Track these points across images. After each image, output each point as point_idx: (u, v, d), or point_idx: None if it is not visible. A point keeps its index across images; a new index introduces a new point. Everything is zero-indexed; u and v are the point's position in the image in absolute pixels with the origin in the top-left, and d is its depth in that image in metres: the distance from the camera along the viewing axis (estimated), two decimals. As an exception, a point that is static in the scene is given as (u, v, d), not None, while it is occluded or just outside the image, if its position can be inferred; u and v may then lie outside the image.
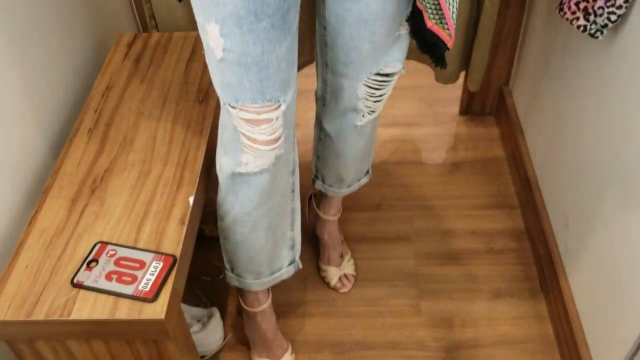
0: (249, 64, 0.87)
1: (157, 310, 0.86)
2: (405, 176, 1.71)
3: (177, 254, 0.93)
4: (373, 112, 1.17)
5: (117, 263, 0.91)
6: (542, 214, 1.47)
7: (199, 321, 1.35)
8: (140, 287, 0.88)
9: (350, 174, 1.34)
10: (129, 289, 0.88)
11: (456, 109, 1.92)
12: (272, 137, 0.95)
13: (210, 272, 1.50)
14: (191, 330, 1.31)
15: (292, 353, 1.34)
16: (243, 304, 1.28)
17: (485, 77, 1.78)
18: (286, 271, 1.23)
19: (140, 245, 0.94)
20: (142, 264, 0.91)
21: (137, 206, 1.00)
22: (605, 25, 0.99)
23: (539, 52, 1.53)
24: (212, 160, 1.09)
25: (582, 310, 1.26)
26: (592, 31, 1.01)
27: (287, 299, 1.45)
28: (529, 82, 1.61)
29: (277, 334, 1.33)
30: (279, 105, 0.93)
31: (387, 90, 1.14)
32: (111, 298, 0.87)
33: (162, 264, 0.91)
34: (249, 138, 0.94)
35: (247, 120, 0.93)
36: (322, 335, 1.38)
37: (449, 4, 0.90)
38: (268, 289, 1.28)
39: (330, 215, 1.46)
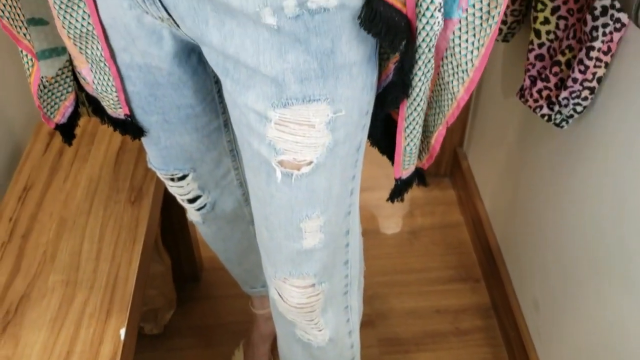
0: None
1: None
2: (363, 248, 1.61)
3: (107, 408, 0.79)
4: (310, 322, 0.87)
5: None
6: (509, 291, 1.38)
7: None
8: None
9: None
10: None
11: (410, 170, 1.83)
12: (188, 197, 0.96)
13: (154, 376, 1.35)
14: None
15: None
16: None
17: (438, 138, 1.71)
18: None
19: (63, 399, 0.80)
20: None
21: (59, 345, 0.86)
22: (571, 116, 0.92)
23: (494, 119, 1.46)
24: (146, 277, 0.95)
25: (559, 402, 1.17)
26: (557, 121, 0.93)
27: None
28: (485, 147, 1.54)
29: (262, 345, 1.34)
30: (186, 175, 0.92)
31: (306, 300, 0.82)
32: None
33: (88, 423, 0.77)
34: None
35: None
36: None
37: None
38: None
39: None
